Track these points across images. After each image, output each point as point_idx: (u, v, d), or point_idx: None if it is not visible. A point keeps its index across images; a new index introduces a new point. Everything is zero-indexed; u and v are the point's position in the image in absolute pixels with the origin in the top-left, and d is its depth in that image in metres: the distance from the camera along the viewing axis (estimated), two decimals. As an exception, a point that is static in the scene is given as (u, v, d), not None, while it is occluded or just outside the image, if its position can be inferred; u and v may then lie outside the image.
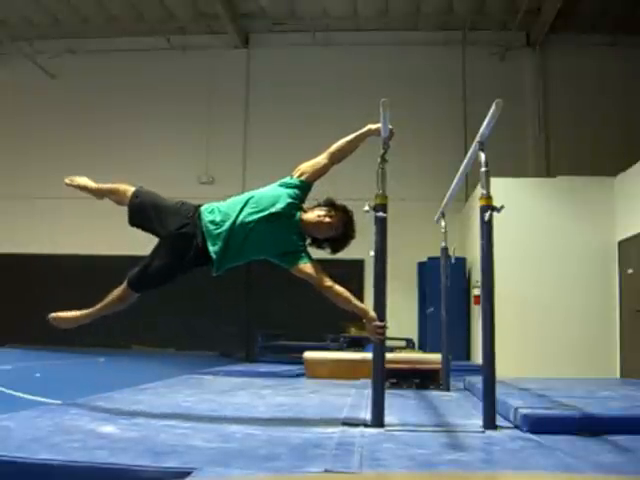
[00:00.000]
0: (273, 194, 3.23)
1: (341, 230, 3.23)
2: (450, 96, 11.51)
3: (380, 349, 3.09)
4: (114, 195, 3.44)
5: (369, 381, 3.24)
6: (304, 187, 3.27)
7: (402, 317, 9.81)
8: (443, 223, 5.26)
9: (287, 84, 11.90)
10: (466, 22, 11.33)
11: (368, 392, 3.40)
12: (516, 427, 3.02)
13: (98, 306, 3.36)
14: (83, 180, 3.59)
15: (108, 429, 2.70)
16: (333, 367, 6.29)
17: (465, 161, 4.03)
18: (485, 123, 3.20)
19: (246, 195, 3.26)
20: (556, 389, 4.25)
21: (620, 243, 8.13)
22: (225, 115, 11.95)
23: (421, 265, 10.46)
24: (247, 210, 3.16)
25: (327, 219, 3.20)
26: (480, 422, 3.02)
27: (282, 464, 2.12)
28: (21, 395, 4.88)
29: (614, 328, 8.07)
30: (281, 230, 3.15)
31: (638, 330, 7.50)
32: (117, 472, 2.01)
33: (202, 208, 3.23)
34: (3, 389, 5.13)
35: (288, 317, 10.68)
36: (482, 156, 3.23)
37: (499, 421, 3.07)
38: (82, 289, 11.52)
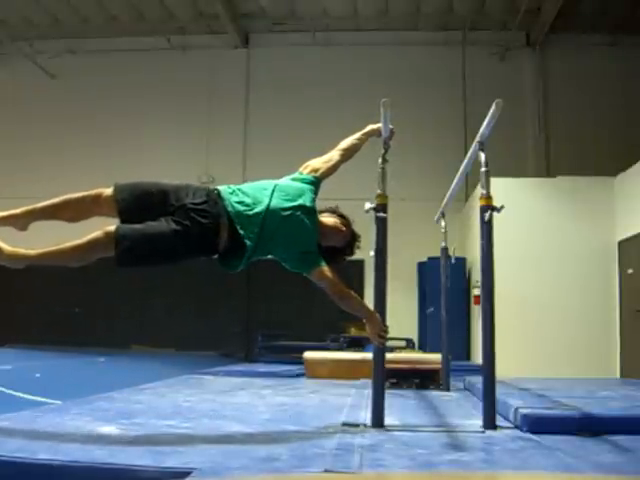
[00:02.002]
0: (296, 186, 2.99)
1: (348, 242, 3.11)
2: (450, 96, 11.51)
3: (380, 349, 3.09)
4: (73, 207, 2.71)
5: (369, 381, 3.24)
6: (317, 184, 3.08)
7: (402, 317, 9.80)
8: (443, 223, 5.26)
9: (287, 84, 11.91)
10: (466, 22, 11.32)
11: (368, 392, 3.41)
12: (516, 427, 3.02)
13: (53, 249, 2.63)
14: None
15: (108, 429, 2.70)
16: (333, 367, 6.29)
17: (465, 161, 4.03)
18: (485, 123, 3.20)
19: (269, 182, 2.95)
20: (556, 389, 4.25)
21: (620, 243, 8.13)
22: (225, 115, 11.95)
23: (421, 265, 10.46)
24: (278, 196, 2.85)
25: (343, 227, 3.08)
26: (480, 422, 3.02)
27: (282, 464, 2.12)
28: (21, 395, 4.88)
29: (614, 328, 8.07)
30: (308, 226, 2.89)
31: (638, 330, 7.49)
32: (117, 472, 2.01)
33: (219, 188, 2.83)
34: (3, 389, 5.13)
35: (288, 317, 10.69)
36: (482, 156, 3.23)
37: (499, 421, 3.07)
38: (82, 289, 11.59)
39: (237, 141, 11.89)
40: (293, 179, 3.06)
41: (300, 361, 6.72)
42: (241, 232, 2.70)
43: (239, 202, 2.76)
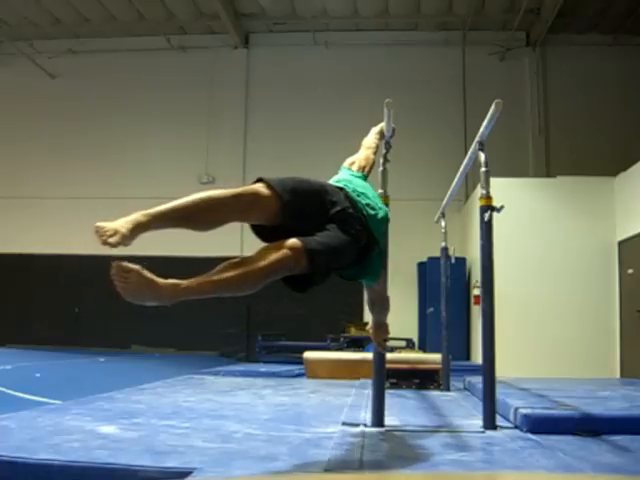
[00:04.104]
0: None
1: None
2: (450, 96, 11.51)
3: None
4: (221, 209, 2.08)
5: (369, 381, 3.24)
6: None
7: (402, 317, 9.81)
8: (443, 223, 5.27)
9: (287, 84, 11.90)
10: (466, 22, 11.32)
11: (368, 392, 3.41)
12: (516, 427, 3.02)
13: (225, 276, 1.96)
14: (116, 223, 1.97)
15: (108, 429, 2.70)
16: (333, 367, 6.30)
17: (465, 161, 4.03)
18: (485, 123, 3.20)
19: (359, 180, 2.70)
20: (556, 389, 4.25)
21: (620, 243, 8.13)
22: (225, 115, 11.94)
23: (421, 265, 10.46)
24: (378, 198, 2.64)
25: None
26: (480, 422, 3.03)
27: (282, 464, 2.12)
28: (21, 395, 4.88)
29: (614, 328, 8.07)
30: None
31: (638, 330, 7.49)
32: (117, 472, 2.02)
33: (341, 186, 2.48)
34: (3, 389, 5.13)
35: (288, 317, 10.69)
36: (482, 156, 3.24)
37: (499, 421, 3.07)
38: (82, 289, 11.59)
39: (237, 141, 11.89)
40: (356, 177, 2.78)
41: (300, 361, 6.73)
42: (378, 238, 2.45)
43: (367, 205, 2.45)
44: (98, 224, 1.95)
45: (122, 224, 1.95)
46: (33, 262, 11.72)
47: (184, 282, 1.95)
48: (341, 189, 2.43)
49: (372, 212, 2.43)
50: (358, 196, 2.44)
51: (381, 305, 2.89)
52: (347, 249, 2.24)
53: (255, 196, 2.13)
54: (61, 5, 11.40)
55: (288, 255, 2.03)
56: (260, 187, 2.16)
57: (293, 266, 2.05)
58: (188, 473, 1.94)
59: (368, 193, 2.53)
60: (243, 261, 2.01)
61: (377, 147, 3.19)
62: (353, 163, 2.92)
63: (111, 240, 1.93)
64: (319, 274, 2.13)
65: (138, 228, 1.98)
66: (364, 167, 2.91)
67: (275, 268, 2.02)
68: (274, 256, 2.02)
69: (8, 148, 12.18)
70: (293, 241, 2.06)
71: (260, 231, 2.26)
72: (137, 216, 1.99)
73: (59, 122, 12.15)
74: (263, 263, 2.00)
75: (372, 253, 2.43)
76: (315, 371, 6.32)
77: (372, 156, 3.04)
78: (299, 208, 2.19)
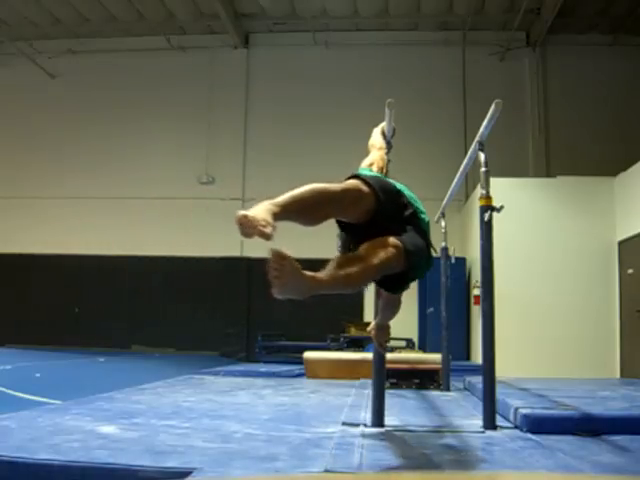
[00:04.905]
0: None
1: None
2: (450, 96, 11.51)
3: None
4: (328, 204, 2.05)
5: (369, 381, 3.24)
6: None
7: (402, 317, 9.78)
8: (443, 223, 5.28)
9: (287, 84, 11.91)
10: (466, 22, 11.32)
11: (368, 392, 3.41)
12: (516, 427, 3.02)
13: (349, 271, 1.94)
14: (259, 212, 1.82)
15: (108, 429, 2.70)
16: (333, 367, 6.30)
17: (465, 161, 4.03)
18: (485, 123, 3.21)
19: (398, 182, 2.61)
20: (556, 389, 4.25)
21: (620, 243, 8.13)
22: (225, 115, 11.95)
23: (421, 265, 10.45)
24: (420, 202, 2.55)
25: None
26: (480, 422, 3.03)
27: (282, 464, 2.12)
28: (21, 395, 4.88)
29: (614, 328, 8.07)
30: None
31: (638, 330, 7.49)
32: (117, 472, 2.02)
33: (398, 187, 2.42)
34: (3, 389, 5.13)
35: (288, 317, 10.69)
36: (482, 156, 3.24)
37: (499, 421, 3.07)
38: (82, 289, 11.60)
39: (237, 141, 11.89)
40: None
41: (300, 361, 6.73)
42: (429, 241, 2.40)
43: (417, 208, 2.41)
44: (243, 213, 1.77)
45: (265, 214, 1.81)
46: (33, 262, 11.72)
47: (318, 275, 1.90)
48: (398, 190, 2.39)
49: (422, 216, 2.43)
50: (410, 197, 2.42)
51: (393, 306, 2.90)
52: (423, 251, 2.29)
53: (360, 192, 2.14)
54: (61, 5, 11.40)
55: (394, 254, 2.07)
56: (360, 184, 2.16)
57: (395, 265, 2.08)
58: (188, 473, 1.94)
59: (414, 196, 2.50)
60: (354, 258, 2.02)
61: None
62: (372, 164, 2.88)
63: (267, 230, 1.76)
64: (413, 273, 2.20)
65: (274, 219, 1.84)
66: (382, 168, 2.88)
67: (384, 266, 2.04)
68: (383, 254, 2.04)
69: (8, 148, 12.19)
70: (395, 241, 2.10)
71: (346, 228, 2.27)
72: (270, 207, 1.86)
73: (59, 122, 12.15)
74: (375, 261, 2.02)
75: (432, 254, 2.44)
76: (315, 371, 6.32)
77: (385, 157, 3.02)
78: (387, 207, 2.20)
